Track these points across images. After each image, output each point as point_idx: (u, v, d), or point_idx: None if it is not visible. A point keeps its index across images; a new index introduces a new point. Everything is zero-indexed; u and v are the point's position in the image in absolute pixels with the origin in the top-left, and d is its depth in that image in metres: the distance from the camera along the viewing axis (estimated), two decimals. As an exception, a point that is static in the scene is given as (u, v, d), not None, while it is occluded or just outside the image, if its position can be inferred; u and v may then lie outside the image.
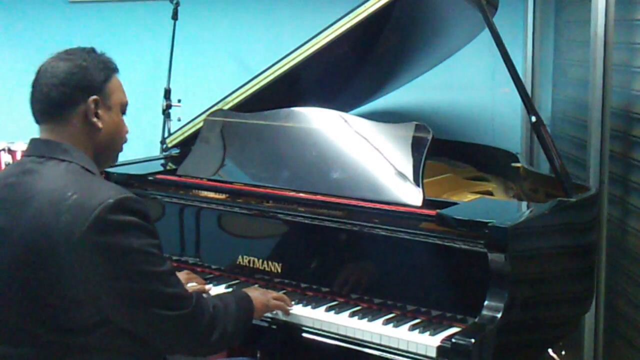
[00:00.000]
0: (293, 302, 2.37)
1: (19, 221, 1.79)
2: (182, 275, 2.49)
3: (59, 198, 1.77)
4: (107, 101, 1.94)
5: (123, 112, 2.01)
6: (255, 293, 2.23)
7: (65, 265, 1.75)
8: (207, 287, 2.50)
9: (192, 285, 2.47)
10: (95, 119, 1.92)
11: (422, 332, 2.16)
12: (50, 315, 1.78)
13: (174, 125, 3.39)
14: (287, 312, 2.33)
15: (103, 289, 1.77)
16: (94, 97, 1.91)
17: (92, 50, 1.98)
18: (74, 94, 1.89)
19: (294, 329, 2.33)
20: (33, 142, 1.94)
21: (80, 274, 1.75)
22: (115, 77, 1.98)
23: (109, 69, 1.96)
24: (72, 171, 1.85)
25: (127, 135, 2.04)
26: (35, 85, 1.93)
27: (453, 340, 2.01)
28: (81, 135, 1.91)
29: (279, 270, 2.52)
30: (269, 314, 2.33)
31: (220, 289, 2.53)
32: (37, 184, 1.83)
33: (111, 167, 2.66)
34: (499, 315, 2.07)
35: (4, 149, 3.48)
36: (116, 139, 1.99)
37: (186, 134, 3.17)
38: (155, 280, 1.81)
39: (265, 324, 2.35)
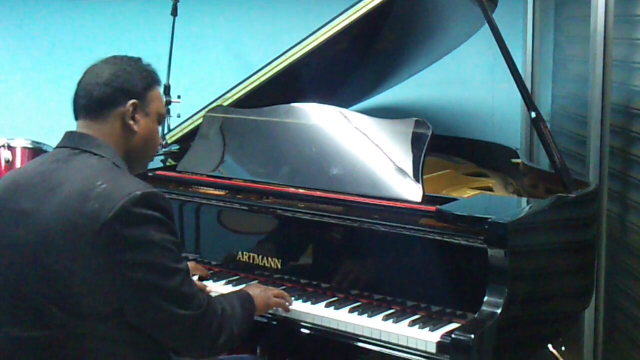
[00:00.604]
0: (293, 298, 2.37)
1: (46, 206, 1.84)
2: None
3: (89, 187, 1.82)
4: (146, 108, 2.02)
5: (160, 123, 2.09)
6: (257, 291, 2.24)
7: (85, 251, 1.78)
8: (207, 289, 2.51)
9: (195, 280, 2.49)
10: (132, 122, 1.99)
11: (422, 328, 2.16)
12: (66, 299, 1.81)
13: (173, 121, 3.39)
14: (287, 310, 2.33)
15: (119, 278, 1.79)
16: (134, 101, 1.98)
17: (139, 59, 2.07)
18: (116, 94, 1.97)
19: (293, 325, 2.33)
20: (68, 135, 2.00)
21: (99, 261, 1.78)
22: (157, 88, 2.07)
23: (153, 78, 2.05)
24: (103, 164, 1.92)
25: None
26: (81, 83, 2.01)
27: (453, 336, 2.02)
28: (116, 135, 1.98)
29: (279, 266, 2.52)
30: (270, 311, 2.33)
31: (220, 285, 2.53)
32: (68, 173, 1.88)
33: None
34: (499, 311, 2.08)
35: (3, 146, 3.47)
36: (149, 145, 2.06)
37: (186, 131, 3.18)
38: (171, 276, 1.84)
39: (266, 321, 2.35)
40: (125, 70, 1.99)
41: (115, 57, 2.04)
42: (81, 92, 1.99)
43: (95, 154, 1.93)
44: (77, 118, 2.01)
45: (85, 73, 2.02)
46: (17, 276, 1.87)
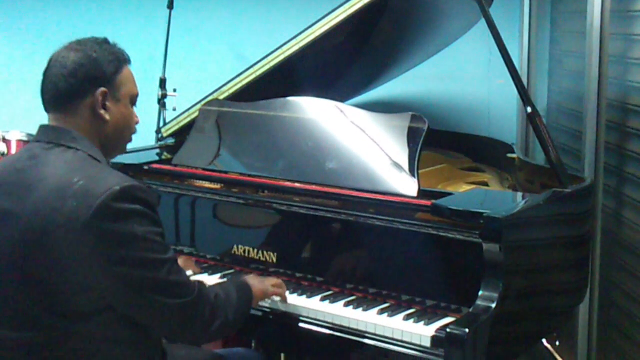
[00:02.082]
0: (287, 292, 2.37)
1: (24, 205, 1.81)
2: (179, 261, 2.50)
3: (65, 183, 1.79)
4: (116, 93, 1.96)
5: (133, 104, 2.04)
6: (254, 281, 2.24)
7: (68, 250, 1.76)
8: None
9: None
10: (102, 111, 1.94)
11: (416, 321, 2.17)
12: (52, 299, 1.80)
13: (169, 114, 3.38)
14: (284, 298, 2.33)
15: (105, 274, 1.78)
16: (102, 89, 1.93)
17: (105, 40, 1.99)
18: (82, 85, 1.91)
19: (288, 319, 2.33)
20: (42, 129, 1.96)
21: (83, 259, 1.76)
22: (126, 68, 1.99)
23: (119, 60, 1.97)
24: (79, 158, 1.88)
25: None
26: (46, 74, 1.95)
27: (447, 329, 2.02)
28: (88, 126, 1.93)
29: (274, 259, 2.52)
30: (264, 304, 2.34)
31: (215, 278, 2.53)
32: (44, 170, 1.85)
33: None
34: (493, 305, 2.08)
35: (-2, 138, 3.47)
36: (124, 130, 2.01)
37: (181, 124, 3.17)
38: (157, 267, 1.82)
39: (260, 314, 2.35)
40: (90, 56, 1.92)
41: (78, 42, 1.96)
42: (48, 85, 1.93)
43: (70, 147, 1.89)
44: (47, 111, 1.96)
45: (50, 62, 1.94)
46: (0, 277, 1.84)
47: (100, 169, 1.88)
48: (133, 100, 2.03)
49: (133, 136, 2.09)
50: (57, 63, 1.93)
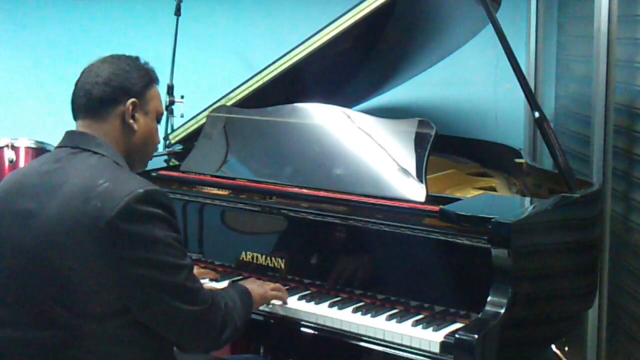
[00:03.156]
0: (296, 298, 2.37)
1: (48, 205, 1.84)
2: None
3: (90, 185, 1.83)
4: (145, 106, 2.03)
5: (158, 121, 2.10)
6: (253, 285, 2.26)
7: (89, 250, 1.79)
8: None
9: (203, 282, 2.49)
10: (131, 121, 2.00)
11: (425, 327, 2.16)
12: (71, 299, 1.82)
13: (177, 121, 3.39)
14: (285, 302, 2.34)
15: (124, 276, 1.80)
16: (133, 99, 1.99)
17: (137, 58, 2.08)
18: (115, 93, 1.98)
19: (296, 325, 2.33)
20: (68, 134, 2.01)
21: (103, 259, 1.79)
22: (155, 86, 2.08)
23: (150, 77, 2.06)
24: (104, 163, 1.92)
25: None
26: (79, 82, 2.01)
27: (456, 335, 2.02)
28: (116, 134, 1.99)
29: (282, 266, 2.53)
30: (271, 310, 2.34)
31: (223, 285, 2.52)
32: (69, 172, 1.89)
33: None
34: (502, 311, 2.08)
35: (7, 145, 3.47)
36: (148, 143, 2.07)
37: (189, 130, 3.17)
38: (176, 271, 1.85)
39: (268, 320, 2.35)
40: (124, 69, 2.00)
41: (112, 56, 2.04)
42: (80, 92, 1.99)
43: (96, 153, 1.94)
44: (76, 118, 2.02)
45: (83, 72, 2.02)
46: (21, 277, 1.87)
47: (124, 172, 1.93)
48: (159, 118, 2.10)
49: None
50: (91, 73, 1.99)
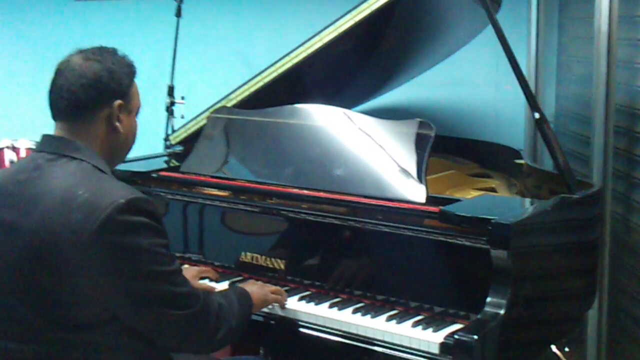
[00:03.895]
0: (296, 299, 2.37)
1: (29, 218, 1.80)
2: (191, 272, 2.51)
3: (70, 196, 1.78)
4: (129, 105, 1.98)
5: (137, 115, 2.05)
6: (253, 288, 2.25)
7: (73, 263, 1.75)
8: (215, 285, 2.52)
9: (203, 282, 2.51)
10: (117, 123, 1.94)
11: (425, 328, 2.16)
12: (56, 311, 1.79)
13: (177, 122, 3.39)
14: (283, 306, 2.34)
15: (111, 287, 1.78)
16: (119, 101, 1.94)
17: (115, 51, 1.99)
18: (102, 96, 1.91)
19: (296, 326, 2.33)
20: (45, 139, 1.95)
21: (88, 272, 1.76)
22: (135, 82, 2.01)
23: (133, 72, 1.99)
24: (83, 170, 1.86)
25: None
26: (59, 82, 1.93)
27: (456, 336, 2.02)
28: (100, 136, 1.93)
29: (283, 267, 2.53)
30: (271, 310, 2.34)
31: (223, 286, 2.53)
32: (48, 182, 1.83)
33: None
34: (502, 312, 2.08)
35: (7, 147, 3.48)
36: (130, 141, 2.03)
37: (190, 131, 3.18)
38: (163, 279, 1.82)
39: (268, 321, 2.35)
40: (110, 68, 1.92)
41: (93, 52, 1.95)
42: (63, 93, 1.90)
43: (74, 158, 1.87)
44: (55, 119, 1.95)
45: (63, 71, 1.92)
46: (2, 289, 1.84)
47: (105, 180, 1.87)
48: (138, 111, 2.05)
49: (141, 144, 2.11)
50: (74, 72, 1.90)
